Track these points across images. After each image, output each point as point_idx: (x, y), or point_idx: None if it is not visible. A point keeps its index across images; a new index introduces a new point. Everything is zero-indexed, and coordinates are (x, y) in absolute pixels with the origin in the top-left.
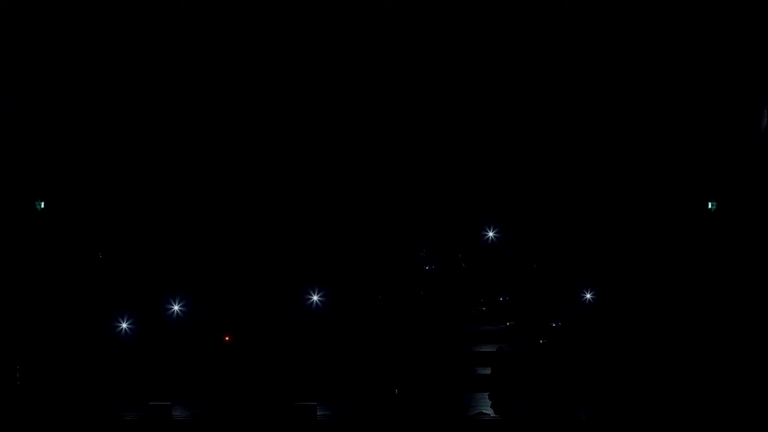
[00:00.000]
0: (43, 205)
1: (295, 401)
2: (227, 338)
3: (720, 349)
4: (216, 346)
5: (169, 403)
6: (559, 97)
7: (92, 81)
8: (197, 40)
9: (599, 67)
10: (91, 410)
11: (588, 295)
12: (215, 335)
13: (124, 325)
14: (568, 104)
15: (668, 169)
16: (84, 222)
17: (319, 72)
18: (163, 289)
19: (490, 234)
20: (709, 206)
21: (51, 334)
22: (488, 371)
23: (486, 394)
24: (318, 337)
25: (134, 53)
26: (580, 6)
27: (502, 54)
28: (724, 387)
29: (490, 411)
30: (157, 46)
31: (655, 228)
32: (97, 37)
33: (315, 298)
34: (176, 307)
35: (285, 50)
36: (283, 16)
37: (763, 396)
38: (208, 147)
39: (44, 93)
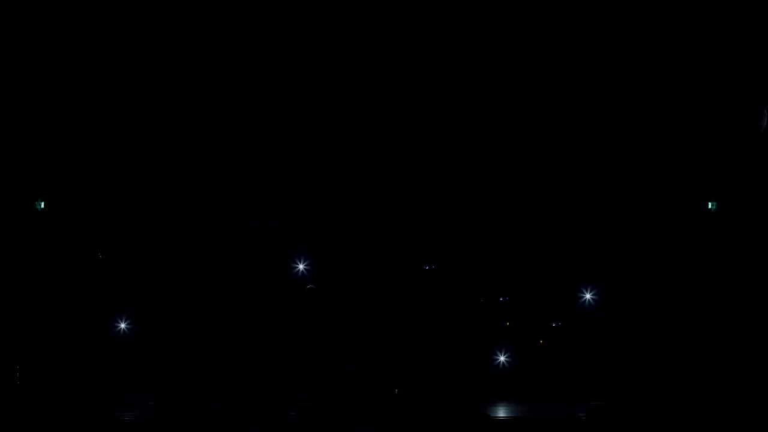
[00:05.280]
0: (43, 205)
1: (295, 401)
2: None
3: (720, 348)
4: (215, 346)
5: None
6: (559, 96)
7: (92, 81)
8: (197, 39)
9: (599, 67)
10: (91, 410)
11: (588, 295)
12: (215, 335)
13: (123, 326)
14: (567, 103)
15: (668, 169)
16: (84, 222)
17: (318, 72)
18: (162, 290)
19: (490, 234)
20: (709, 206)
21: (51, 334)
22: (488, 371)
23: (487, 395)
24: (317, 338)
25: (134, 53)
26: (580, 6)
27: (501, 53)
28: (723, 387)
29: (491, 411)
30: (156, 46)
31: (655, 228)
32: (96, 37)
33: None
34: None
35: (285, 50)
36: (284, 15)
37: (763, 396)
38: (209, 146)
39: (44, 93)
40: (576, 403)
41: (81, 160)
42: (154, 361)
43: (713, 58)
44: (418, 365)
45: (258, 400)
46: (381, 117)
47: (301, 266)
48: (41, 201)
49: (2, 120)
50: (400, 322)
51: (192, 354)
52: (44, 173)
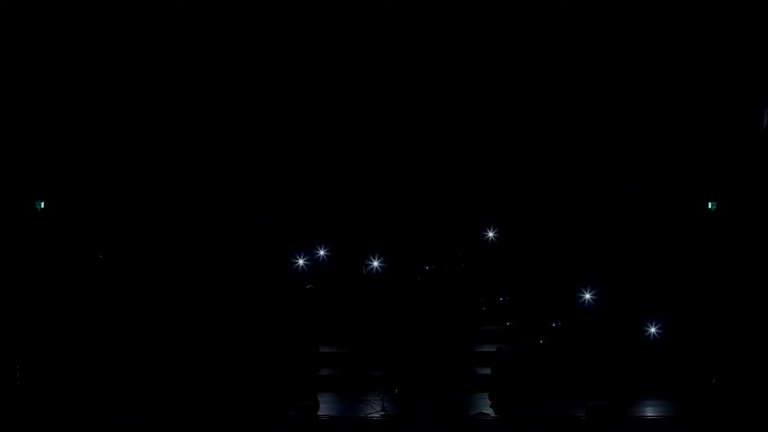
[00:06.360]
0: (43, 205)
1: (295, 401)
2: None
3: (720, 349)
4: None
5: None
6: (558, 96)
7: (92, 81)
8: (198, 39)
9: (599, 67)
10: (91, 411)
11: (588, 295)
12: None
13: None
14: (566, 104)
15: (668, 169)
16: (84, 222)
17: (315, 72)
18: (162, 289)
19: (490, 234)
20: (709, 206)
21: (51, 334)
22: (488, 371)
23: (486, 394)
24: (317, 337)
25: (134, 53)
26: (580, 6)
27: (499, 54)
28: (722, 387)
29: (490, 411)
30: (157, 46)
31: (655, 228)
32: (96, 37)
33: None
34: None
35: (285, 50)
36: (284, 15)
37: (762, 396)
38: (209, 147)
39: (44, 93)
40: (576, 403)
41: (81, 160)
42: (157, 361)
43: (713, 58)
44: (418, 365)
45: (258, 400)
46: (382, 117)
47: (300, 263)
48: (41, 201)
49: (2, 120)
50: (400, 322)
51: (192, 354)
52: (44, 173)
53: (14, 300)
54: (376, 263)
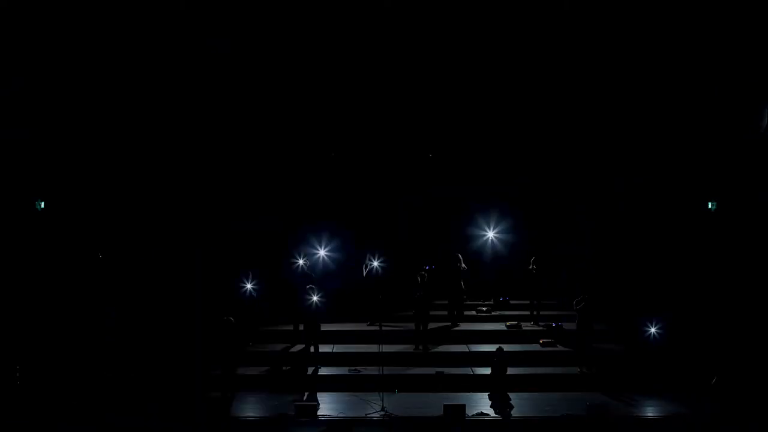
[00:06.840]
0: (43, 205)
1: (294, 400)
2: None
3: (720, 348)
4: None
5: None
6: (558, 96)
7: (92, 81)
8: (198, 39)
9: (599, 67)
10: (91, 411)
11: (588, 296)
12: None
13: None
14: (566, 104)
15: (668, 169)
16: (84, 222)
17: (315, 72)
18: (161, 289)
19: (490, 234)
20: (709, 206)
21: (51, 334)
22: (488, 371)
23: (486, 394)
24: (316, 336)
25: (134, 53)
26: (580, 6)
27: (499, 55)
28: (722, 387)
29: (490, 411)
30: (157, 46)
31: (655, 228)
32: (96, 37)
33: (314, 298)
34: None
35: (285, 50)
36: (284, 15)
37: (762, 396)
38: (209, 147)
39: (44, 93)
40: (576, 403)
41: (81, 160)
42: (157, 361)
43: (713, 58)
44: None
45: (257, 400)
46: (382, 117)
47: (300, 263)
48: (41, 201)
49: (2, 120)
50: (400, 321)
51: (192, 354)
52: (44, 173)
53: (14, 300)
54: (376, 263)
